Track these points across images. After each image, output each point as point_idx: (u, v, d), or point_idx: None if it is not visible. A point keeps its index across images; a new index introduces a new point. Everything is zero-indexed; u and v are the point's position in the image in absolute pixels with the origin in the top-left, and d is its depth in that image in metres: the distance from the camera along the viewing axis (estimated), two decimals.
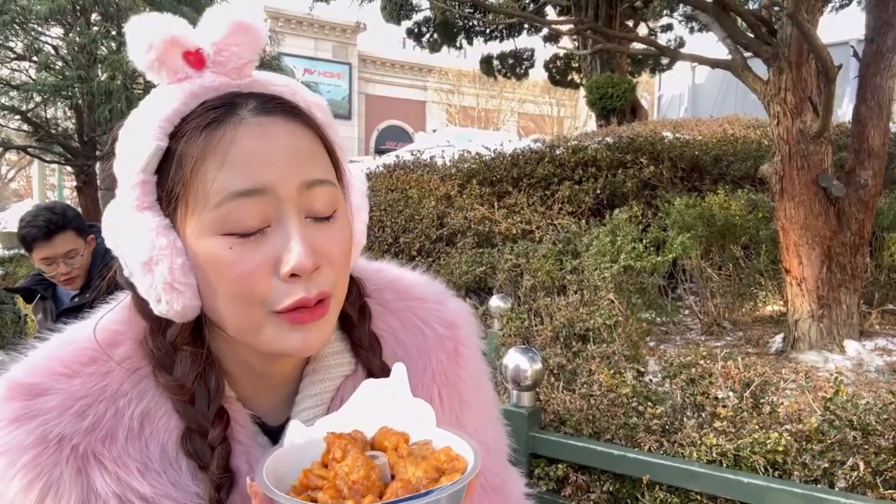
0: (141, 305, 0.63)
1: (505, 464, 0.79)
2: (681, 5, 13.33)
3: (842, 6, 12.05)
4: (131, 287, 0.62)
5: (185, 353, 0.62)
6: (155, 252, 0.57)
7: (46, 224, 2.29)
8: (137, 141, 0.58)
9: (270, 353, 0.62)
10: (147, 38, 0.57)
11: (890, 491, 1.66)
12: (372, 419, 0.57)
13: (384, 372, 0.69)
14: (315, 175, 0.59)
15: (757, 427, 1.87)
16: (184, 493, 0.60)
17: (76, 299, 2.42)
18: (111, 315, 0.65)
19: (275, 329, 0.59)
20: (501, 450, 0.79)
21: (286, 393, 0.69)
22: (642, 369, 2.67)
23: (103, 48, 9.51)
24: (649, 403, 2.12)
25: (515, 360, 2.12)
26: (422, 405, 0.58)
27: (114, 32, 9.52)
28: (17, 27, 9.28)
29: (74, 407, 0.59)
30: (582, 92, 15.80)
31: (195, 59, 0.58)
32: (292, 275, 0.57)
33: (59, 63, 9.65)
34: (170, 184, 0.58)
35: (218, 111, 0.58)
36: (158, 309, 0.59)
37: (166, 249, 0.57)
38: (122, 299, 0.67)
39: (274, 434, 0.67)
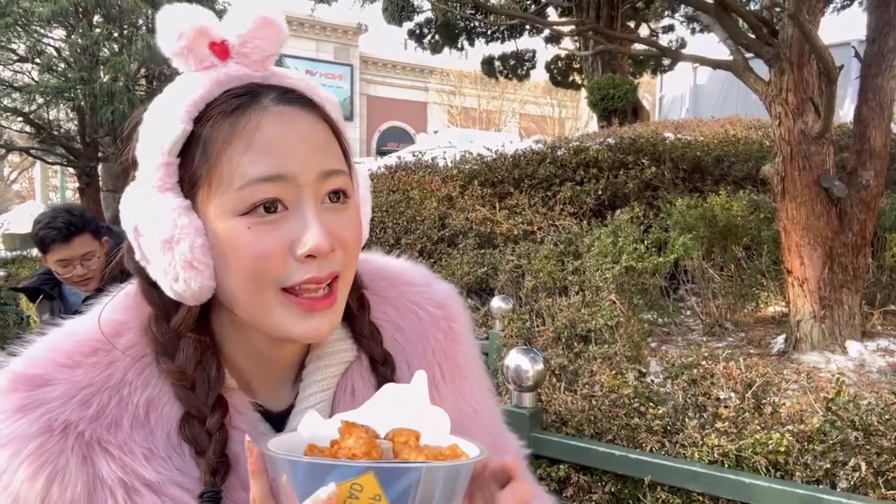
0: (148, 291, 0.64)
1: (503, 426, 0.83)
2: (682, 6, 13.33)
3: (843, 7, 12.04)
4: (141, 272, 0.63)
5: (189, 341, 0.63)
6: (177, 231, 0.59)
7: (66, 226, 2.29)
8: (163, 124, 0.60)
9: (279, 338, 0.64)
10: (178, 26, 0.60)
11: (892, 491, 1.66)
12: (388, 421, 0.58)
13: (386, 359, 0.72)
14: (332, 165, 0.62)
15: (759, 427, 1.87)
16: (189, 477, 0.61)
17: (90, 300, 2.42)
18: (113, 305, 0.66)
19: (286, 313, 0.61)
20: (498, 417, 0.83)
21: (289, 378, 0.71)
22: (644, 370, 2.67)
23: (105, 50, 9.52)
24: (651, 404, 2.12)
25: (517, 360, 2.12)
26: (438, 413, 0.59)
27: (116, 34, 9.53)
28: (20, 29, 9.30)
29: (78, 396, 0.59)
30: (583, 93, 15.80)
31: (221, 50, 0.61)
32: (308, 256, 0.59)
33: (62, 65, 9.65)
34: (195, 166, 0.60)
35: (242, 98, 0.61)
36: (175, 288, 0.60)
37: (188, 228, 0.59)
38: (122, 289, 0.68)
39: (276, 419, 0.68)
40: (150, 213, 0.60)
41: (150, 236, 0.60)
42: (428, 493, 0.49)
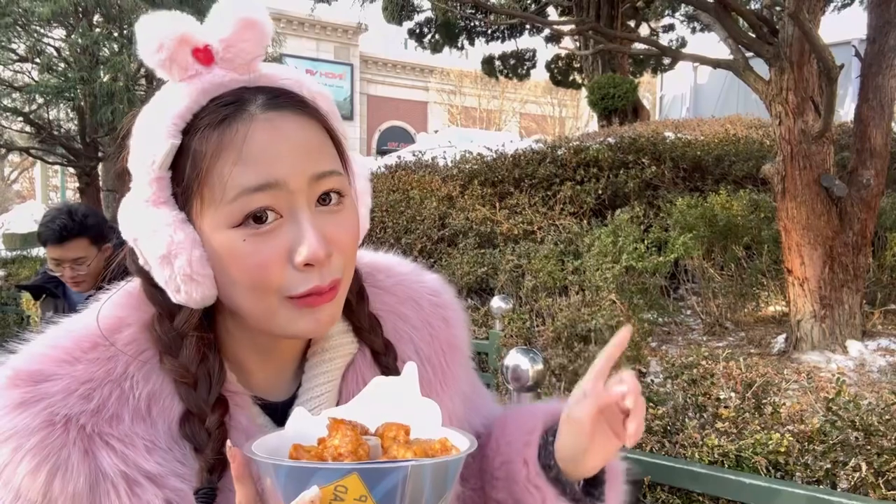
0: (151, 292, 0.64)
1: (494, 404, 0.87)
2: (682, 5, 13.33)
3: (843, 6, 12.03)
4: (144, 275, 0.64)
5: (192, 339, 0.63)
6: (173, 247, 0.59)
7: (61, 229, 2.32)
8: (151, 138, 0.60)
9: (283, 336, 0.65)
10: (158, 37, 0.58)
11: (892, 492, 1.66)
12: (379, 415, 0.57)
13: (387, 349, 0.73)
14: (324, 167, 0.61)
15: (759, 428, 1.86)
16: (190, 469, 0.61)
17: (93, 298, 2.43)
18: (113, 302, 0.67)
19: (287, 313, 0.61)
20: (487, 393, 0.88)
21: (290, 369, 0.71)
22: (644, 370, 2.67)
23: (105, 50, 9.53)
24: (651, 404, 2.11)
25: (516, 360, 2.11)
26: (429, 404, 0.58)
27: (116, 34, 9.55)
28: (20, 29, 9.32)
29: (79, 390, 0.59)
30: (584, 92, 15.80)
31: (204, 56, 0.60)
32: (306, 264, 0.59)
33: (62, 65, 9.67)
34: (186, 180, 0.60)
35: (229, 108, 0.59)
36: (178, 298, 0.61)
37: (184, 243, 0.59)
38: (122, 286, 0.68)
39: (276, 410, 0.68)
40: (146, 227, 0.60)
41: (148, 251, 0.61)
42: (417, 490, 0.49)
